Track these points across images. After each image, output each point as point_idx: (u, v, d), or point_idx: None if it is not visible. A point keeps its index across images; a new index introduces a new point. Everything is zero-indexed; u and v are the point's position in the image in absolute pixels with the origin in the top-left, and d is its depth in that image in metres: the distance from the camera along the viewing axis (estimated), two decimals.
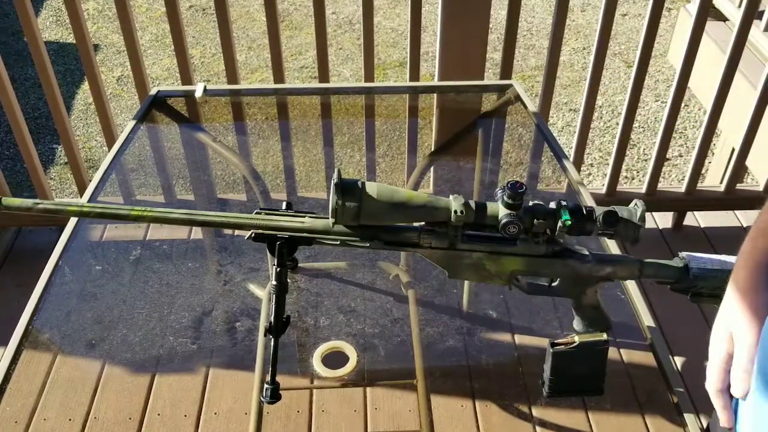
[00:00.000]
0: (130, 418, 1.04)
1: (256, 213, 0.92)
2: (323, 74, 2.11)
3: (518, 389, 1.11)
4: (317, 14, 2.01)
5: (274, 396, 0.91)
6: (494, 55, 4.26)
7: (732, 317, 0.78)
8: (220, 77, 4.68)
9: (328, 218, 0.91)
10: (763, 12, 3.05)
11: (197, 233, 1.44)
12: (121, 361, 1.13)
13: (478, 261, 0.93)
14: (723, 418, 0.79)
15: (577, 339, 0.90)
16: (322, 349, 1.12)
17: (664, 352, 1.09)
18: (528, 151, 1.77)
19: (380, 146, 1.86)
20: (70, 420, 1.03)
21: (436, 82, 2.17)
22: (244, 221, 0.92)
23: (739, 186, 2.46)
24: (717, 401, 0.79)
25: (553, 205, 0.88)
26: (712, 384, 0.79)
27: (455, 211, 0.87)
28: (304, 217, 0.92)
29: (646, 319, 1.15)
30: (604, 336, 0.90)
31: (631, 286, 1.19)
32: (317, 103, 1.93)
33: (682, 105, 2.32)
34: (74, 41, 2.04)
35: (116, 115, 4.03)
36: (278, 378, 0.91)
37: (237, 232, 1.29)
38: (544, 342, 0.92)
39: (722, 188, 2.47)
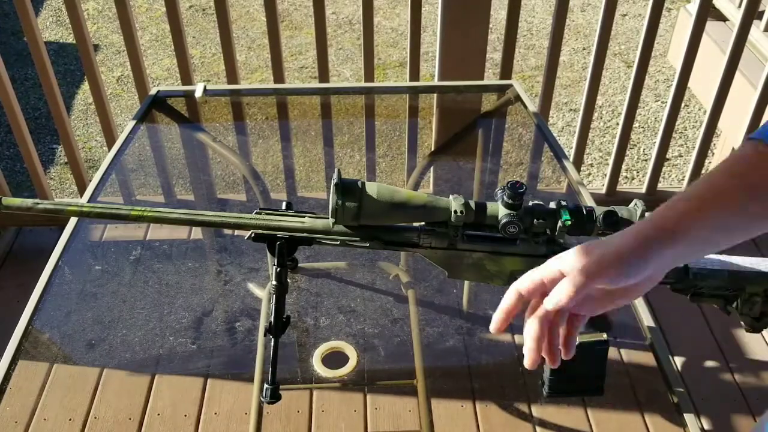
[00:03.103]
0: (130, 418, 1.04)
1: (256, 213, 0.92)
2: (323, 74, 2.11)
3: (518, 389, 1.11)
4: (317, 14, 2.01)
5: (274, 396, 0.91)
6: (494, 55, 4.25)
7: (576, 261, 0.70)
8: (220, 77, 4.67)
9: (328, 218, 0.91)
10: (763, 12, 3.05)
11: (197, 233, 1.44)
12: (121, 361, 1.13)
13: (478, 261, 0.92)
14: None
15: (577, 339, 0.89)
16: (322, 349, 1.12)
17: (664, 352, 1.09)
18: (528, 151, 1.77)
19: (380, 146, 1.86)
20: (70, 420, 1.03)
21: (436, 82, 2.17)
22: (244, 221, 0.92)
23: None
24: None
25: (553, 205, 0.88)
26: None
27: (455, 211, 0.87)
28: (304, 217, 0.92)
29: (646, 319, 1.15)
30: (604, 336, 0.90)
31: None
32: (317, 103, 1.93)
33: (682, 105, 2.32)
34: (74, 41, 2.04)
35: (116, 115, 4.03)
36: (278, 378, 0.91)
37: (237, 232, 1.29)
38: None
39: None
